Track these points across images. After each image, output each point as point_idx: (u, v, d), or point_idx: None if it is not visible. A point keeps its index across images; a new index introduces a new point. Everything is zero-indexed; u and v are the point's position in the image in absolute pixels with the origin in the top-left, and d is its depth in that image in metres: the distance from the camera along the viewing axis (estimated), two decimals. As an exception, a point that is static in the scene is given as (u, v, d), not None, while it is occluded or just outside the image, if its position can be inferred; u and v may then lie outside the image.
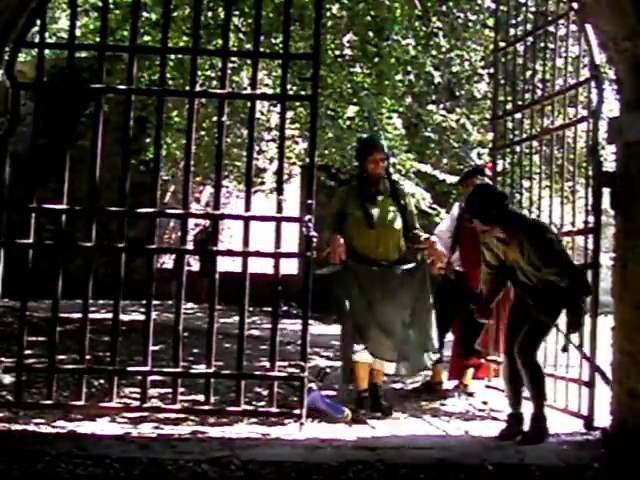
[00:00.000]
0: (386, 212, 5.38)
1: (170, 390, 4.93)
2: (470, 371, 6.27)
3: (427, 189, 11.42)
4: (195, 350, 7.11)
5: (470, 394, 6.14)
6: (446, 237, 6.32)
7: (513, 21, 6.25)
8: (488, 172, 6.54)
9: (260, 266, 6.62)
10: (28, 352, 5.16)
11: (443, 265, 5.61)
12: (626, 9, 4.46)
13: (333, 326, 5.37)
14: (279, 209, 5.02)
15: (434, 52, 10.63)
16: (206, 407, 4.89)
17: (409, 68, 10.44)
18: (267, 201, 14.67)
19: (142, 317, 4.98)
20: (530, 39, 5.98)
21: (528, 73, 6.08)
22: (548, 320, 4.74)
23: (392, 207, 5.41)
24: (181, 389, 4.95)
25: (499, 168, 6.54)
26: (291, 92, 8.83)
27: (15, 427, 4.52)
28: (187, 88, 5.59)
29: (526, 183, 5.94)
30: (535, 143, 5.92)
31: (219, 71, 6.41)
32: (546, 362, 5.08)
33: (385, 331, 5.15)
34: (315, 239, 4.86)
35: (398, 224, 5.40)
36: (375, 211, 5.35)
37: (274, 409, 4.86)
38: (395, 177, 5.62)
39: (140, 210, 5.03)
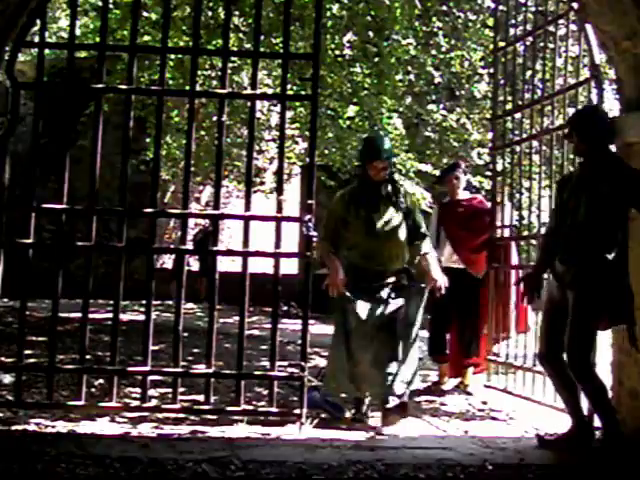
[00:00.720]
0: (389, 219, 5.10)
1: (170, 390, 4.93)
2: (470, 370, 6.28)
3: (427, 189, 11.45)
4: (195, 350, 7.11)
5: (470, 394, 6.14)
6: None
7: (513, 21, 6.25)
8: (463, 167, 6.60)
9: (260, 266, 6.61)
10: (28, 352, 5.16)
11: (442, 292, 5.36)
12: (627, 9, 4.46)
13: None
14: (279, 209, 5.02)
15: (434, 52, 10.67)
16: (206, 407, 4.88)
17: (409, 68, 10.48)
18: (267, 201, 14.70)
19: (142, 317, 4.98)
20: (530, 39, 5.98)
21: (528, 73, 6.08)
22: (587, 300, 4.26)
23: (395, 214, 5.11)
24: (181, 389, 4.94)
25: (499, 168, 6.55)
26: (291, 92, 8.85)
27: (15, 427, 4.52)
28: (187, 88, 5.59)
29: (526, 183, 5.94)
30: (535, 143, 5.91)
31: (219, 71, 6.42)
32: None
33: (373, 368, 4.93)
34: (315, 239, 4.86)
35: (402, 232, 5.11)
36: (377, 219, 5.08)
37: (274, 409, 4.86)
38: (396, 177, 5.50)
39: (140, 210, 5.04)
